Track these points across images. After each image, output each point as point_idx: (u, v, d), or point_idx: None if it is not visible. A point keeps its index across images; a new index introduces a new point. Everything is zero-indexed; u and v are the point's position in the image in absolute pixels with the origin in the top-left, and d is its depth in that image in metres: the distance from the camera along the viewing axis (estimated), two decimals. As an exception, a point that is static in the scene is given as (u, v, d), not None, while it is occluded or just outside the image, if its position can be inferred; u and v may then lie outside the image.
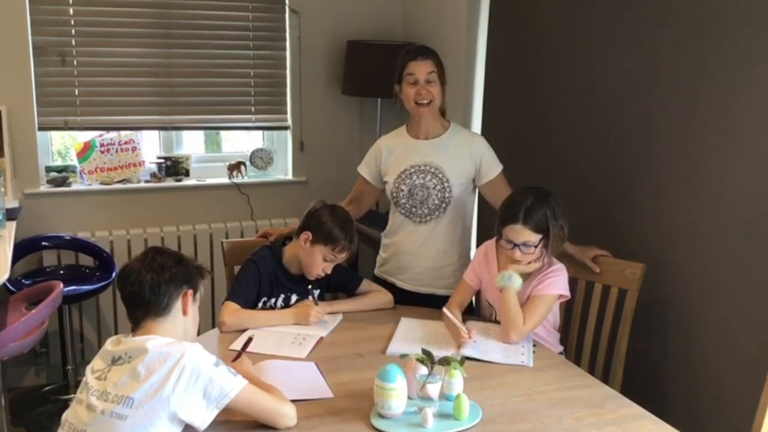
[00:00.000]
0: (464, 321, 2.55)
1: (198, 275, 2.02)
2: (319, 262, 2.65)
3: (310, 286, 2.71)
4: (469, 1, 3.70)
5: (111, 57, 3.94)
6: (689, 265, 2.64)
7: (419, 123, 2.89)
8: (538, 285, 2.53)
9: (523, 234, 2.46)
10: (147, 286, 1.89)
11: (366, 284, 2.85)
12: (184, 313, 1.96)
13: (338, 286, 2.86)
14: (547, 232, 2.49)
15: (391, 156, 2.94)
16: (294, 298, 2.73)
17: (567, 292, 2.57)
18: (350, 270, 2.89)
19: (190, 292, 1.97)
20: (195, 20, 4.06)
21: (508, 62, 3.53)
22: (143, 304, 1.91)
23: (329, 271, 2.68)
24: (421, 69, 2.79)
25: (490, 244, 2.71)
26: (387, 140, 3.01)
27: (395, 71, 2.87)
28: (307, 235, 2.65)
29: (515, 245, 2.48)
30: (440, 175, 2.84)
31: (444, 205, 2.86)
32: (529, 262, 2.52)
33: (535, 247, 2.49)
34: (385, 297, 2.82)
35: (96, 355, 1.92)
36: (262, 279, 2.67)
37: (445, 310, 2.52)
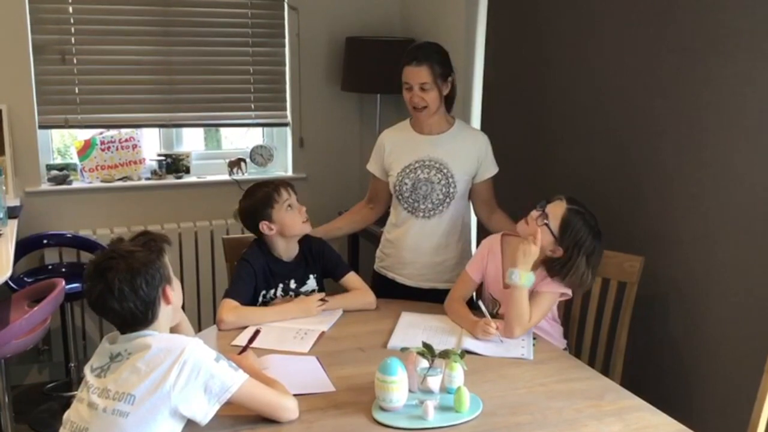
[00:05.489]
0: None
1: (161, 258, 1.91)
2: (291, 218, 2.67)
3: (312, 275, 2.75)
4: (468, -3, 3.70)
5: (111, 55, 3.95)
6: (689, 257, 2.65)
7: (420, 121, 2.89)
8: (541, 281, 2.53)
9: None
10: (128, 315, 1.84)
11: (352, 278, 2.80)
12: (168, 303, 1.92)
13: (327, 270, 2.82)
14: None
15: (395, 150, 2.93)
16: (293, 283, 2.74)
17: (569, 291, 2.57)
18: (341, 258, 2.89)
19: (166, 285, 1.91)
20: (194, 17, 4.06)
21: (508, 58, 3.53)
22: (129, 325, 1.87)
23: (305, 215, 2.70)
24: (414, 77, 2.76)
25: (495, 238, 2.71)
26: (390, 134, 3.00)
27: (399, 68, 2.84)
28: (262, 225, 2.67)
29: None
30: (445, 171, 2.84)
31: (448, 200, 2.86)
32: (533, 242, 2.46)
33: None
34: (367, 297, 2.75)
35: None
36: (257, 274, 2.68)
37: (480, 303, 2.52)
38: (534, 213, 2.50)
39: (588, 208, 2.51)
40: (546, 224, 2.47)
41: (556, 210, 2.48)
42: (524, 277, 2.45)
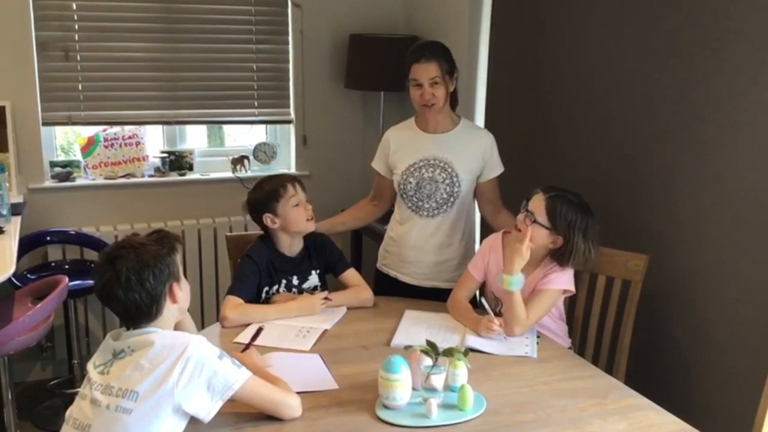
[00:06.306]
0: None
1: (172, 254, 1.92)
2: (295, 214, 2.66)
3: (315, 271, 2.75)
4: (472, -6, 3.70)
5: (114, 52, 3.94)
6: (693, 256, 2.64)
7: (428, 118, 2.89)
8: (543, 278, 2.54)
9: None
10: (132, 306, 1.84)
11: (351, 275, 2.80)
12: (174, 301, 1.92)
13: (329, 265, 2.83)
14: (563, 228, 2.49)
15: (400, 149, 2.93)
16: (295, 279, 2.74)
17: (572, 287, 2.57)
18: (343, 254, 2.89)
19: (174, 282, 1.91)
20: (198, 14, 4.06)
21: (511, 55, 3.53)
22: (133, 318, 1.87)
23: (311, 213, 2.70)
24: (424, 73, 2.76)
25: (496, 237, 2.71)
26: (395, 132, 3.00)
27: (404, 66, 2.83)
28: (266, 218, 2.67)
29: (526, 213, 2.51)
30: (449, 170, 2.83)
31: (452, 199, 2.85)
32: (529, 244, 2.47)
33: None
34: (364, 294, 2.76)
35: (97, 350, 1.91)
36: (261, 271, 2.68)
37: (483, 301, 2.52)
38: (520, 216, 2.53)
39: (567, 188, 2.54)
40: (535, 221, 2.48)
41: (537, 204, 2.51)
42: (507, 280, 2.44)
